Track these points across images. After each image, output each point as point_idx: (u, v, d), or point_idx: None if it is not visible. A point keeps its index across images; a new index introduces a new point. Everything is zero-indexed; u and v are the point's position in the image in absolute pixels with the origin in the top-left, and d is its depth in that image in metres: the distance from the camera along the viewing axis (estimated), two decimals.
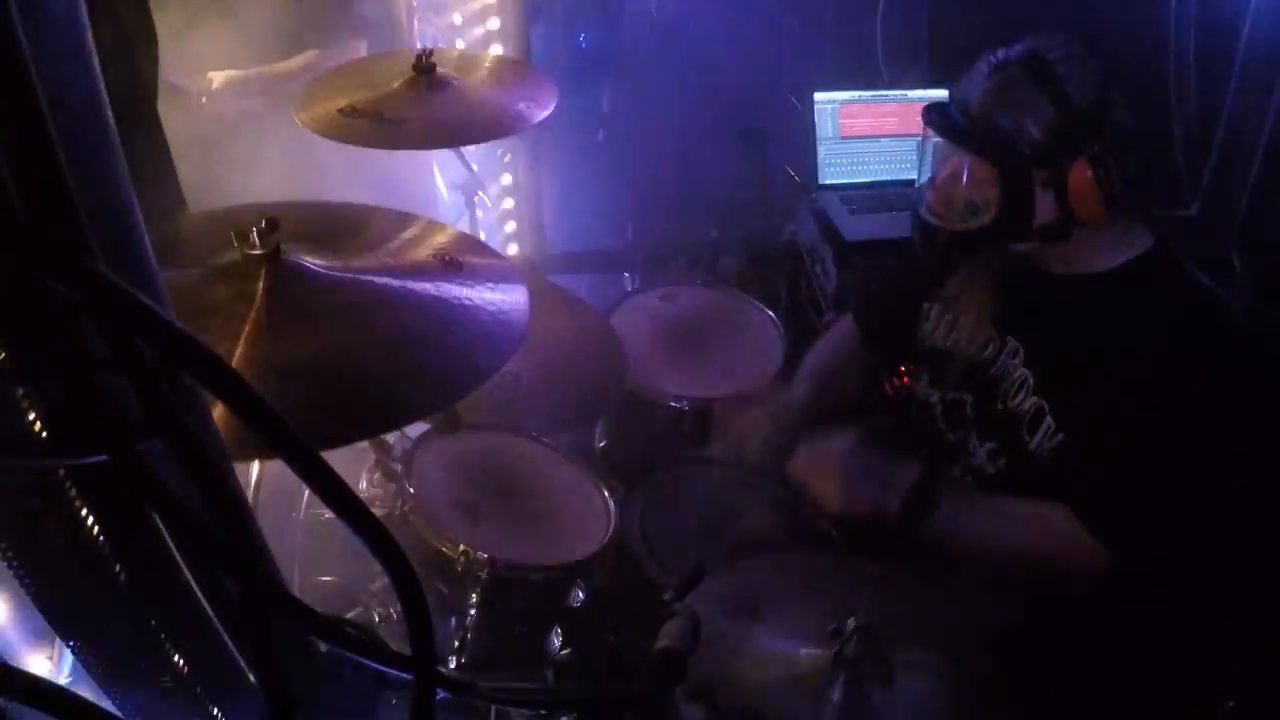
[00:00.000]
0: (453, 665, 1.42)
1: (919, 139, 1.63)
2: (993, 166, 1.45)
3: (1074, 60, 1.41)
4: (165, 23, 2.06)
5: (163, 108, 1.88)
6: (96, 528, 0.59)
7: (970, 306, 1.67)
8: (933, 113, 1.54)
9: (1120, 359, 1.42)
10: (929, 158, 1.60)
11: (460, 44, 2.59)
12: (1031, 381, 1.52)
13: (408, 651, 0.54)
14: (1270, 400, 1.41)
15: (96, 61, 0.50)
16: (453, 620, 1.44)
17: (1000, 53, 1.47)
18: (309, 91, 1.83)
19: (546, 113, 1.84)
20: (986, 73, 1.47)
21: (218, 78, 2.27)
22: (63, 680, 0.98)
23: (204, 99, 2.25)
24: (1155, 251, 1.49)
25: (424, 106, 1.80)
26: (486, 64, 2.07)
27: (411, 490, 1.45)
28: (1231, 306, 1.51)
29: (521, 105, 1.86)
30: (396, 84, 1.83)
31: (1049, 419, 1.49)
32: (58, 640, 0.87)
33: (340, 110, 1.74)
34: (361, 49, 2.45)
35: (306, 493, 1.71)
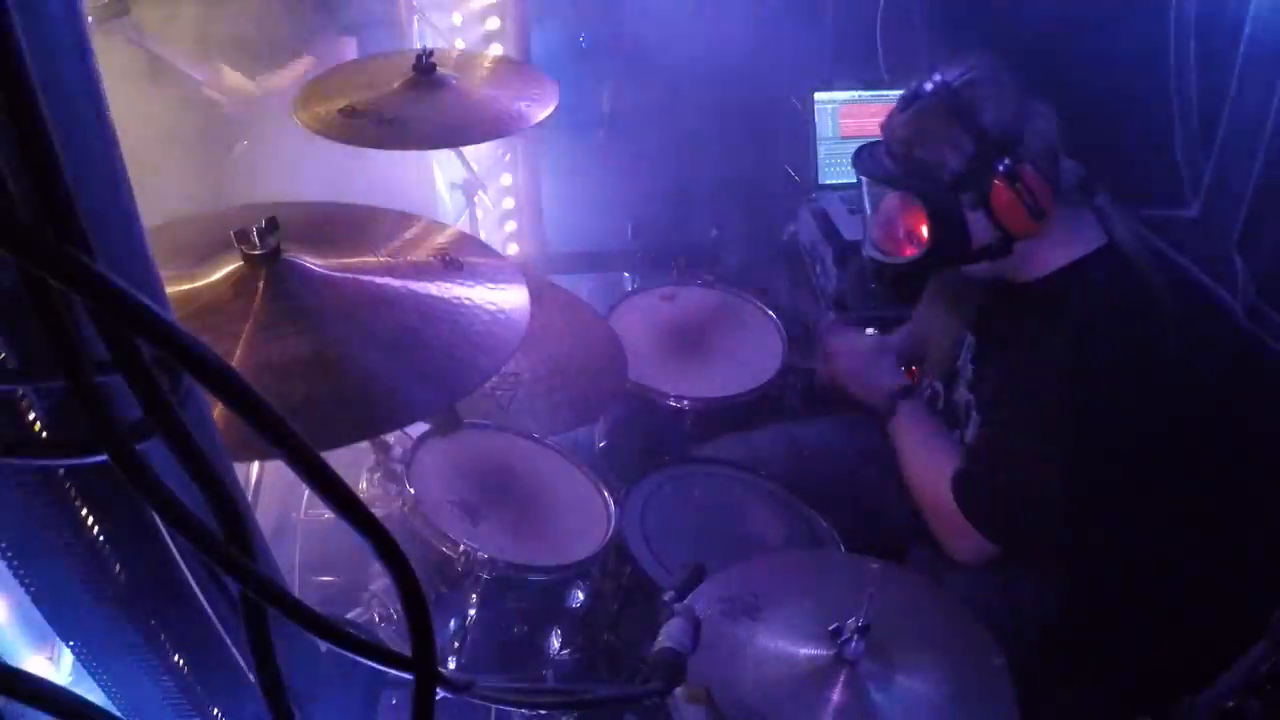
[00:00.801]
0: (453, 665, 1.42)
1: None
2: (918, 199, 1.50)
3: (983, 83, 1.46)
4: (173, 10, 2.07)
5: (163, 89, 1.89)
6: (96, 528, 0.59)
7: (941, 300, 1.75)
8: (861, 155, 1.60)
9: (1030, 359, 1.48)
10: (867, 190, 1.69)
11: (460, 44, 2.58)
12: (970, 376, 1.60)
13: (408, 651, 0.54)
14: (1182, 403, 1.42)
15: (97, 60, 0.50)
16: (453, 620, 1.44)
17: (913, 85, 1.52)
18: (308, 92, 1.83)
19: (547, 112, 1.84)
20: (901, 109, 1.52)
21: (231, 77, 2.27)
22: (63, 680, 0.98)
23: (205, 89, 2.24)
24: (1102, 251, 1.50)
25: (424, 106, 1.80)
26: (486, 64, 2.07)
27: (411, 490, 1.45)
28: (1171, 307, 1.51)
29: (521, 105, 1.86)
30: (396, 84, 1.83)
31: (974, 412, 1.57)
32: (58, 640, 0.87)
33: (340, 110, 1.74)
34: (352, 47, 2.45)
35: (306, 493, 1.71)
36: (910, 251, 1.55)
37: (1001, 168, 1.42)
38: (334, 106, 1.75)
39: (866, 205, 1.68)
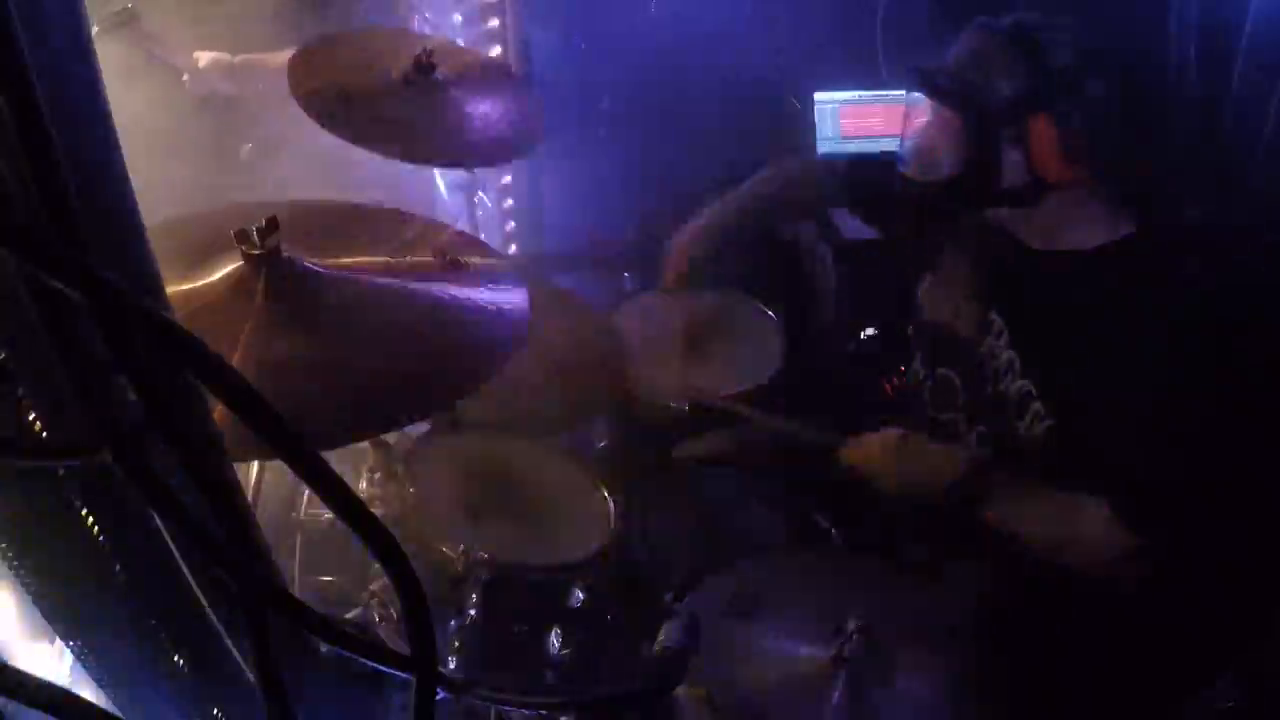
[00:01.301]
0: (453, 665, 1.42)
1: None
2: (959, 118, 1.47)
3: (1055, 30, 1.44)
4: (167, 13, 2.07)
5: (146, 83, 1.88)
6: (96, 528, 0.59)
7: (956, 280, 1.68)
8: (917, 71, 1.56)
9: (1113, 344, 1.42)
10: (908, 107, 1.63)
11: (460, 44, 2.58)
12: (1018, 364, 1.53)
13: (408, 651, 0.54)
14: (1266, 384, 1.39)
15: (97, 61, 0.50)
16: (453, 620, 1.44)
17: (985, 17, 1.50)
18: (304, 62, 1.80)
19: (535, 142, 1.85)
20: (968, 33, 1.50)
21: (204, 57, 2.25)
22: (63, 680, 0.98)
23: (186, 77, 2.23)
24: (1143, 235, 1.48)
25: (422, 114, 1.78)
26: (486, 67, 2.06)
27: (411, 490, 1.45)
28: (1227, 295, 1.49)
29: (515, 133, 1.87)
30: (394, 78, 1.80)
31: (1036, 404, 1.49)
32: (58, 640, 0.87)
33: (337, 94, 1.72)
34: None
35: (306, 493, 1.71)
36: (941, 177, 1.53)
37: (1049, 108, 1.40)
38: (331, 86, 1.73)
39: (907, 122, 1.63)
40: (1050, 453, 1.48)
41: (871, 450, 1.56)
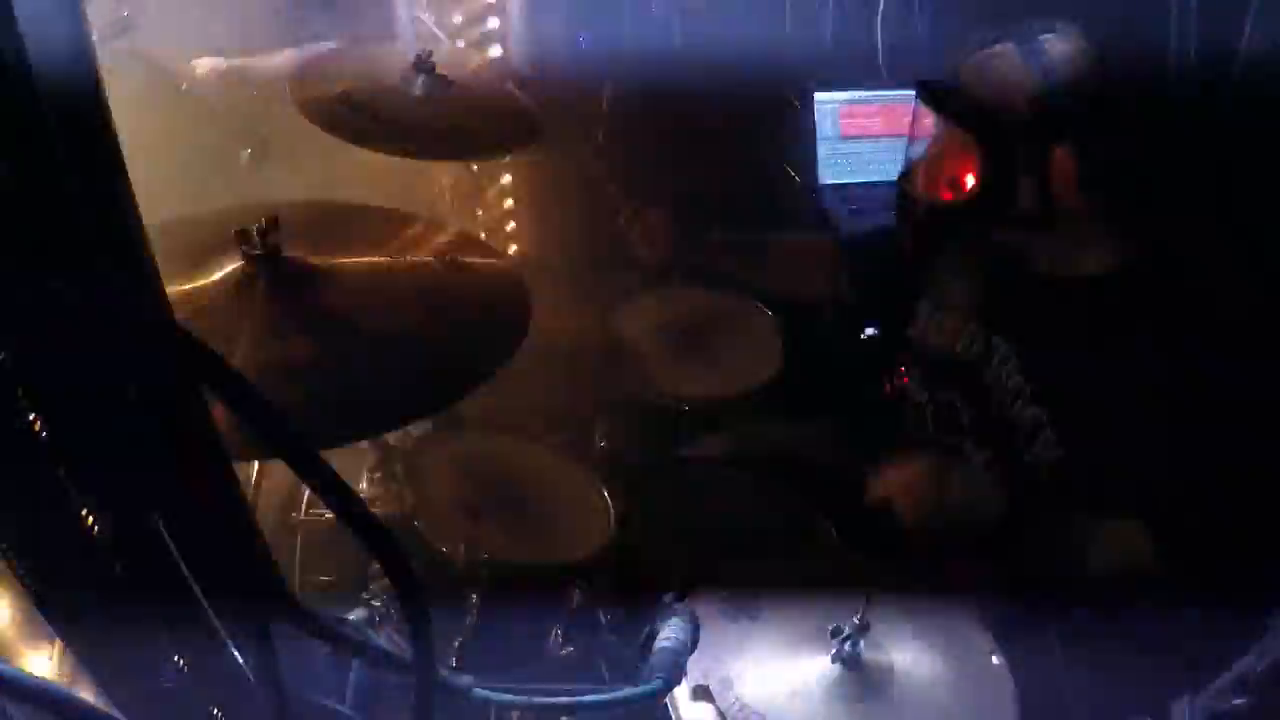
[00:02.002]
0: (453, 665, 1.42)
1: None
2: (975, 140, 1.41)
3: (1070, 44, 1.38)
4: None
5: (145, 88, 1.89)
6: (96, 528, 0.59)
7: (956, 303, 1.64)
8: (925, 85, 1.50)
9: (1122, 370, 1.39)
10: (915, 118, 1.56)
11: (460, 44, 2.58)
12: (1028, 391, 1.50)
13: (408, 652, 0.54)
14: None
15: (96, 59, 0.50)
16: (452, 620, 1.44)
17: (997, 31, 1.43)
18: (305, 75, 1.81)
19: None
20: (979, 45, 1.42)
21: (202, 63, 2.26)
22: (63, 680, 0.98)
23: (184, 85, 2.24)
24: (1152, 255, 1.46)
25: (422, 112, 1.79)
26: (487, 68, 2.07)
27: (411, 490, 1.45)
28: (1238, 311, 1.49)
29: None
30: (396, 79, 1.81)
31: (1047, 431, 1.47)
32: (58, 640, 0.87)
33: (338, 98, 1.72)
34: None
35: (306, 493, 1.72)
36: (948, 196, 1.46)
37: (1071, 131, 1.35)
38: (331, 91, 1.74)
39: (912, 135, 1.56)
40: (1061, 479, 1.47)
41: (908, 478, 1.49)
